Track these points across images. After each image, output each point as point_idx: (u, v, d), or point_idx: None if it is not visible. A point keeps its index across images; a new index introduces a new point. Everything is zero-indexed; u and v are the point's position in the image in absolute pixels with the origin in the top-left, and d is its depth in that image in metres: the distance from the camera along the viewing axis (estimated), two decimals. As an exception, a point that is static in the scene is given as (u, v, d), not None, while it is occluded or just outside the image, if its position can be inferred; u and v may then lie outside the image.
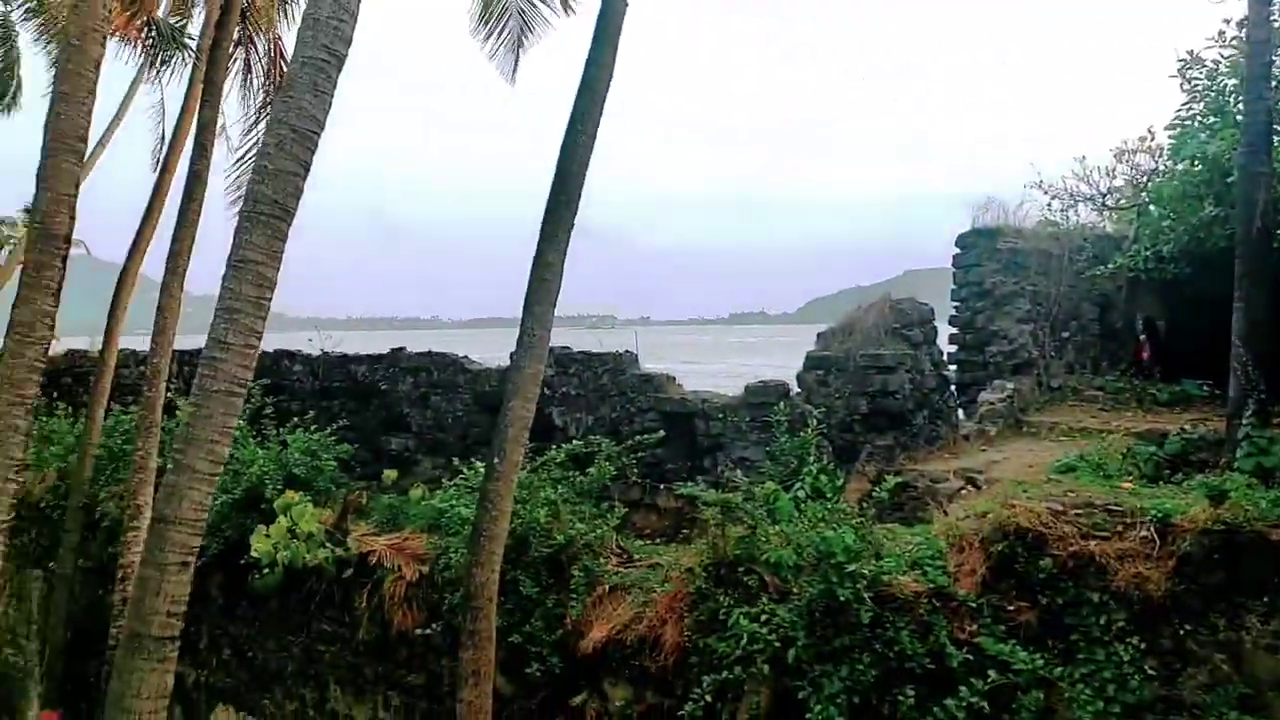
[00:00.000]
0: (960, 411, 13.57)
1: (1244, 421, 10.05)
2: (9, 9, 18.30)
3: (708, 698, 8.61)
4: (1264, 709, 7.32)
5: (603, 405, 13.54)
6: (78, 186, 8.51)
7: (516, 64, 14.09)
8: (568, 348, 13.98)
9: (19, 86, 20.32)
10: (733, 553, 9.34)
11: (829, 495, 9.74)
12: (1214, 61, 13.40)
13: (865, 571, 8.43)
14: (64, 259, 8.41)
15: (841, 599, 8.34)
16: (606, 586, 10.29)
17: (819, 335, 13.27)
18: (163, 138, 15.70)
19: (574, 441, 12.33)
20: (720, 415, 12.72)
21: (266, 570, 12.29)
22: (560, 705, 10.00)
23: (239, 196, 16.38)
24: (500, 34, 13.04)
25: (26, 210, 30.01)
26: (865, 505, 9.42)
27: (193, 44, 15.68)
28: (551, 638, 10.16)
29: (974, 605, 8.20)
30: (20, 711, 16.99)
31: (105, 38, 8.72)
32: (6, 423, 8.10)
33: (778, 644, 8.47)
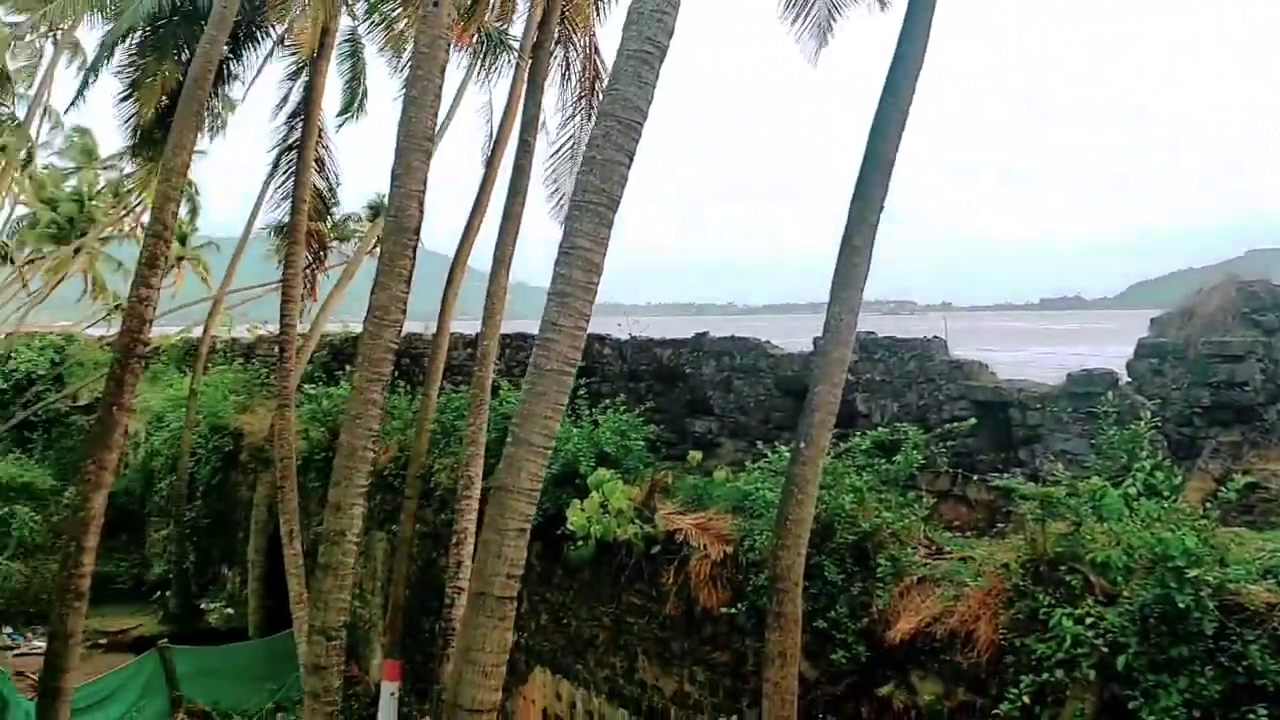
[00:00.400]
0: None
1: None
2: (356, 24, 20.23)
3: (1025, 699, 8.20)
4: None
5: (909, 392, 13.20)
6: (425, 183, 9.30)
7: (820, 47, 14.05)
8: (872, 333, 13.74)
9: (365, 95, 22.48)
10: (1053, 550, 8.84)
11: (1165, 494, 8.97)
12: None
13: (1209, 578, 7.70)
14: (414, 249, 9.25)
15: (1181, 606, 7.66)
16: (914, 577, 10.03)
17: (1152, 321, 12.23)
18: (490, 136, 16.85)
19: (878, 429, 12.11)
20: (1038, 405, 12.04)
21: (580, 543, 12.99)
22: (866, 694, 9.89)
23: (556, 188, 17.35)
24: (806, 17, 12.97)
25: (371, 207, 33.35)
26: (1208, 506, 8.61)
27: (515, 46, 16.74)
28: (857, 625, 10.06)
29: (1341, 623, 7.32)
30: (365, 659, 18.96)
31: (449, 45, 9.48)
32: (366, 397, 9.04)
33: (1105, 648, 7.92)
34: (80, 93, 17.50)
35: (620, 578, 12.97)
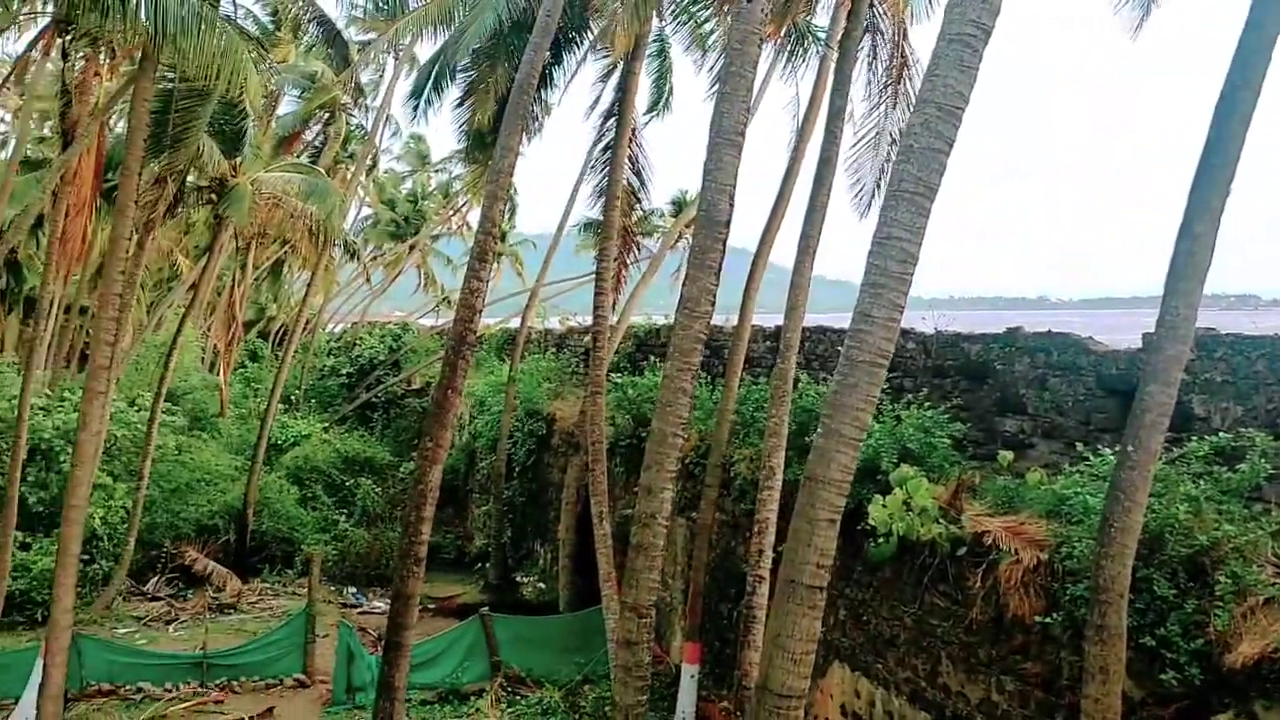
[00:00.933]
0: None
1: None
2: (663, 24, 20.87)
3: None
4: None
5: (1256, 395, 11.93)
6: (736, 178, 9.50)
7: (1143, 20, 13.24)
8: (1213, 329, 12.53)
9: (671, 92, 23.17)
10: None
11: None
12: None
13: None
14: (724, 243, 9.48)
15: None
16: (1261, 598, 9.11)
17: None
18: (795, 128, 16.93)
19: (1219, 434, 11.07)
20: None
21: (882, 539, 12.79)
22: (1199, 720, 9.11)
23: (858, 179, 17.15)
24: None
25: (673, 203, 34.38)
26: None
27: (822, 37, 16.68)
28: (1190, 645, 9.27)
29: None
30: (667, 640, 19.61)
31: (761, 40, 9.62)
32: (677, 385, 9.38)
33: None
34: (422, 96, 19.07)
35: (923, 578, 12.64)
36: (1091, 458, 11.36)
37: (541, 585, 25.74)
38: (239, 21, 19.52)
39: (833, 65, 14.91)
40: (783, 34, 17.02)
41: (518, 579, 26.86)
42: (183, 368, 33.97)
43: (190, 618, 23.13)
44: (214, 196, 24.87)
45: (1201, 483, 10.34)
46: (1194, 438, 11.05)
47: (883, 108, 16.87)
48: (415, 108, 19.39)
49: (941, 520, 12.37)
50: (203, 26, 13.66)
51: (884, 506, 12.75)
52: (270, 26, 32.76)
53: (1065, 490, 11.42)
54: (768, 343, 20.26)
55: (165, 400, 26.04)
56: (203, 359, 41.44)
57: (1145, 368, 9.21)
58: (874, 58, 16.24)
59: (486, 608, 21.01)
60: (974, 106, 6.93)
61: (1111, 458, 10.34)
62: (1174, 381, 8.94)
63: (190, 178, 23.14)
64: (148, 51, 14.40)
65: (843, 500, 6.95)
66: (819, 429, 7.11)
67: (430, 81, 19.15)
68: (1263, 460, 10.36)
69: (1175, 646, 9.32)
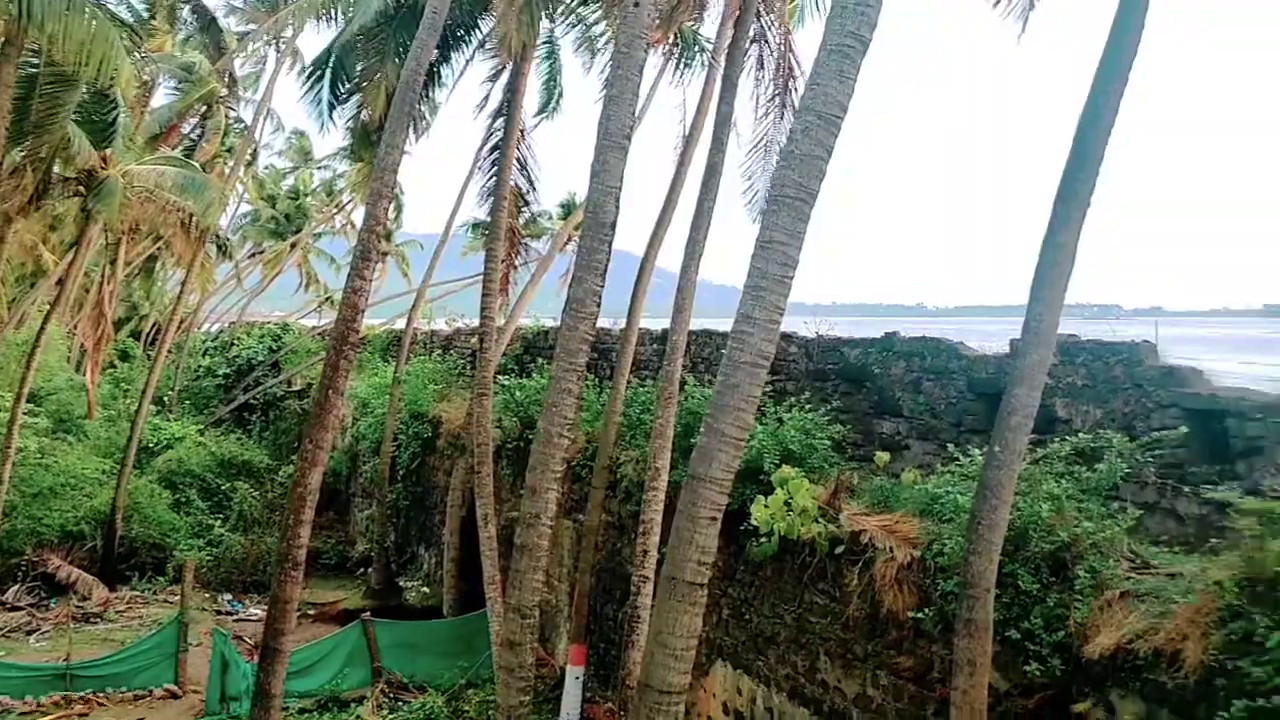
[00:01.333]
0: None
1: None
2: (554, 26, 20.85)
3: (1239, 725, 7.74)
4: None
5: (1113, 398, 12.57)
6: (622, 180, 9.57)
7: (1025, 24, 13.52)
8: (1075, 335, 13.15)
9: (560, 94, 23.16)
10: (1273, 568, 8.28)
11: (1406, 515, 8.26)
12: None
13: None
14: (610, 244, 9.54)
15: None
16: (1117, 592, 9.60)
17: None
18: (683, 134, 17.10)
19: (1079, 435, 11.62)
20: (1259, 415, 11.25)
21: (764, 539, 13.04)
22: (1060, 710, 9.53)
23: (748, 186, 17.44)
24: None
25: (562, 205, 34.36)
26: None
27: (709, 46, 16.91)
28: (1052, 638, 9.71)
29: None
30: (553, 644, 19.57)
31: (649, 46, 9.72)
32: (563, 386, 9.40)
33: (1332, 677, 7.39)
34: (314, 90, 18.63)
35: (803, 576, 12.94)
36: (962, 458, 11.78)
37: (426, 590, 25.41)
38: (110, 7, 18.75)
39: (720, 73, 15.13)
40: (670, 40, 17.20)
41: (401, 584, 26.46)
42: (47, 367, 32.45)
43: (53, 628, 22.17)
44: (82, 189, 23.78)
45: (1063, 482, 10.82)
46: (1057, 439, 11.56)
47: (771, 116, 17.19)
48: (318, 110, 18.93)
49: (821, 520, 12.67)
50: (71, 10, 13.08)
51: (766, 506, 12.99)
52: (145, 14, 31.53)
53: (937, 490, 11.82)
54: (655, 346, 20.42)
55: (27, 401, 24.84)
56: (69, 359, 39.65)
57: (1012, 372, 9.59)
58: (761, 67, 16.54)
59: (368, 613, 20.64)
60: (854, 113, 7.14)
61: (980, 458, 10.73)
62: (1038, 385, 9.32)
63: (56, 168, 22.12)
64: (11, 35, 13.73)
65: (725, 499, 7.07)
66: (702, 428, 7.21)
67: (319, 77, 18.76)
68: (1119, 460, 10.93)
69: (1039, 639, 9.74)
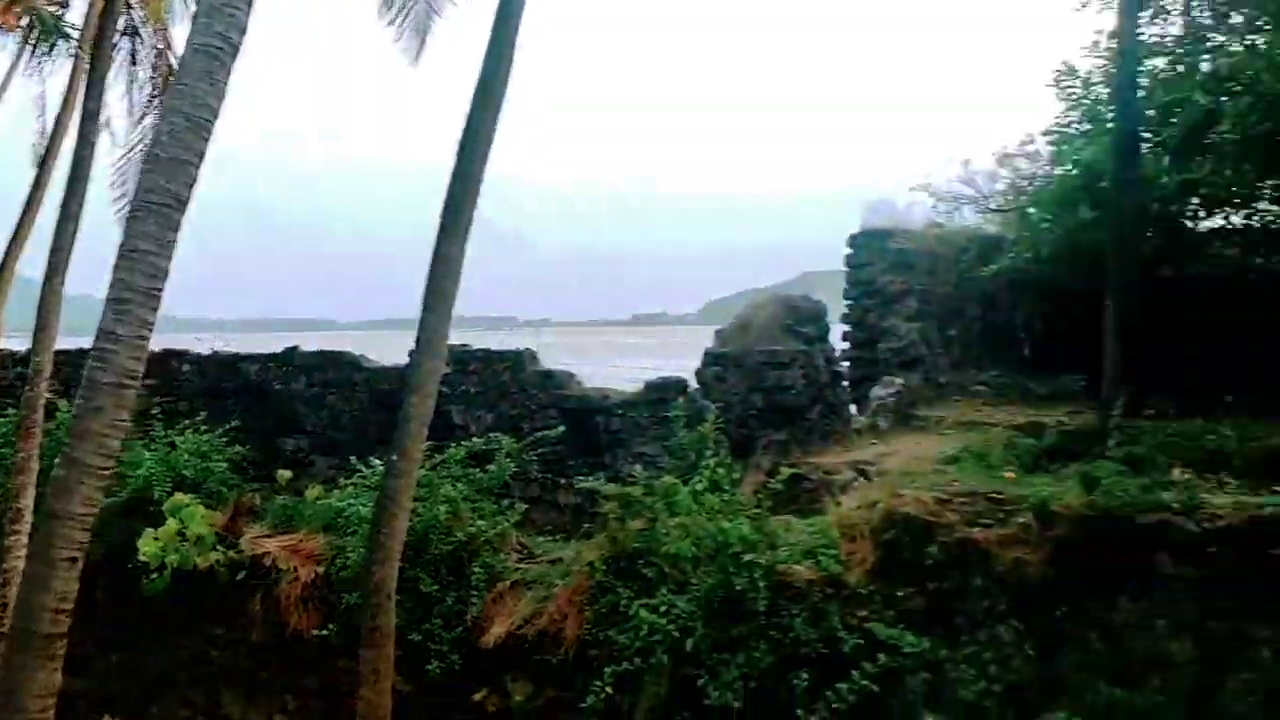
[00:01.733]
0: (853, 406, 13.91)
1: (1115, 413, 10.59)
2: None
3: (608, 689, 8.70)
4: (1135, 683, 7.73)
5: (503, 403, 13.54)
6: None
7: (422, 46, 13.63)
8: (467, 345, 13.93)
9: None
10: (632, 545, 9.47)
11: (726, 488, 9.92)
12: (1088, 71, 13.96)
13: (761, 561, 8.64)
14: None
15: (738, 588, 8.54)
16: (507, 583, 10.35)
17: (716, 333, 13.51)
18: (44, 131, 15.11)
19: (474, 439, 12.31)
20: (620, 411, 12.85)
21: (155, 574, 11.96)
22: (460, 702, 10.00)
23: (124, 192, 15.88)
24: (406, 18, 12.71)
25: None
26: (761, 497, 9.64)
27: (76, 34, 15.11)
28: (451, 635, 10.18)
29: (865, 592, 8.47)
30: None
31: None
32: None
33: (677, 634, 8.61)
34: None
35: (202, 608, 12.10)
36: (364, 469, 11.86)
37: None
38: None
39: (85, 65, 13.58)
40: (27, 24, 15.09)
41: None
42: None
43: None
44: None
45: (460, 485, 11.39)
46: (454, 444, 12.12)
47: (149, 118, 15.83)
48: None
49: (220, 547, 11.97)
50: None
51: (156, 539, 11.92)
52: None
53: (340, 503, 11.78)
54: (18, 369, 17.77)
55: None
56: None
57: (407, 381, 9.85)
58: (135, 64, 15.16)
59: None
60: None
61: (382, 468, 10.90)
62: (431, 393, 9.68)
63: None
64: None
65: (87, 536, 6.30)
66: (59, 460, 6.39)
67: None
68: (508, 460, 11.79)
69: (439, 638, 10.15)
